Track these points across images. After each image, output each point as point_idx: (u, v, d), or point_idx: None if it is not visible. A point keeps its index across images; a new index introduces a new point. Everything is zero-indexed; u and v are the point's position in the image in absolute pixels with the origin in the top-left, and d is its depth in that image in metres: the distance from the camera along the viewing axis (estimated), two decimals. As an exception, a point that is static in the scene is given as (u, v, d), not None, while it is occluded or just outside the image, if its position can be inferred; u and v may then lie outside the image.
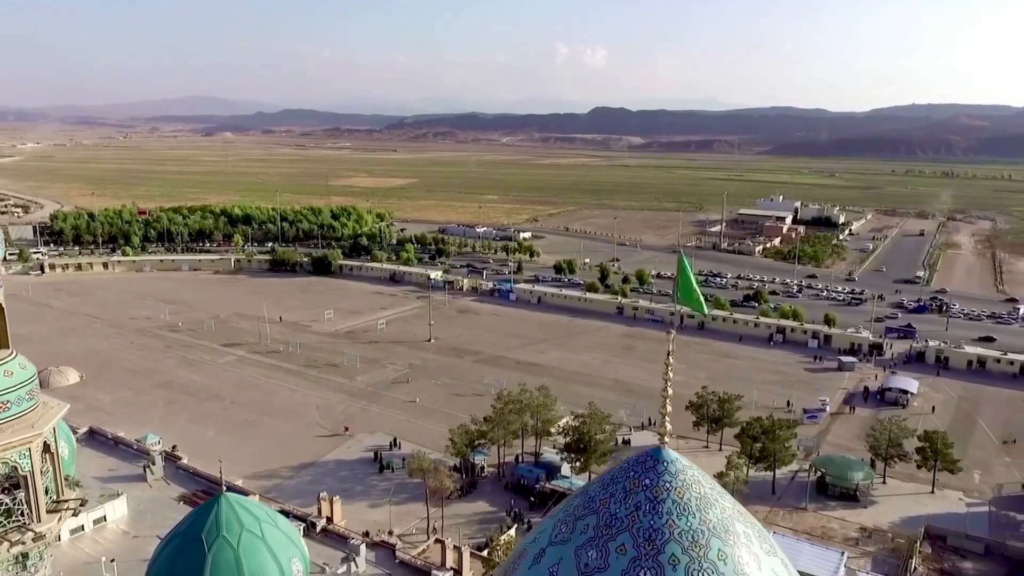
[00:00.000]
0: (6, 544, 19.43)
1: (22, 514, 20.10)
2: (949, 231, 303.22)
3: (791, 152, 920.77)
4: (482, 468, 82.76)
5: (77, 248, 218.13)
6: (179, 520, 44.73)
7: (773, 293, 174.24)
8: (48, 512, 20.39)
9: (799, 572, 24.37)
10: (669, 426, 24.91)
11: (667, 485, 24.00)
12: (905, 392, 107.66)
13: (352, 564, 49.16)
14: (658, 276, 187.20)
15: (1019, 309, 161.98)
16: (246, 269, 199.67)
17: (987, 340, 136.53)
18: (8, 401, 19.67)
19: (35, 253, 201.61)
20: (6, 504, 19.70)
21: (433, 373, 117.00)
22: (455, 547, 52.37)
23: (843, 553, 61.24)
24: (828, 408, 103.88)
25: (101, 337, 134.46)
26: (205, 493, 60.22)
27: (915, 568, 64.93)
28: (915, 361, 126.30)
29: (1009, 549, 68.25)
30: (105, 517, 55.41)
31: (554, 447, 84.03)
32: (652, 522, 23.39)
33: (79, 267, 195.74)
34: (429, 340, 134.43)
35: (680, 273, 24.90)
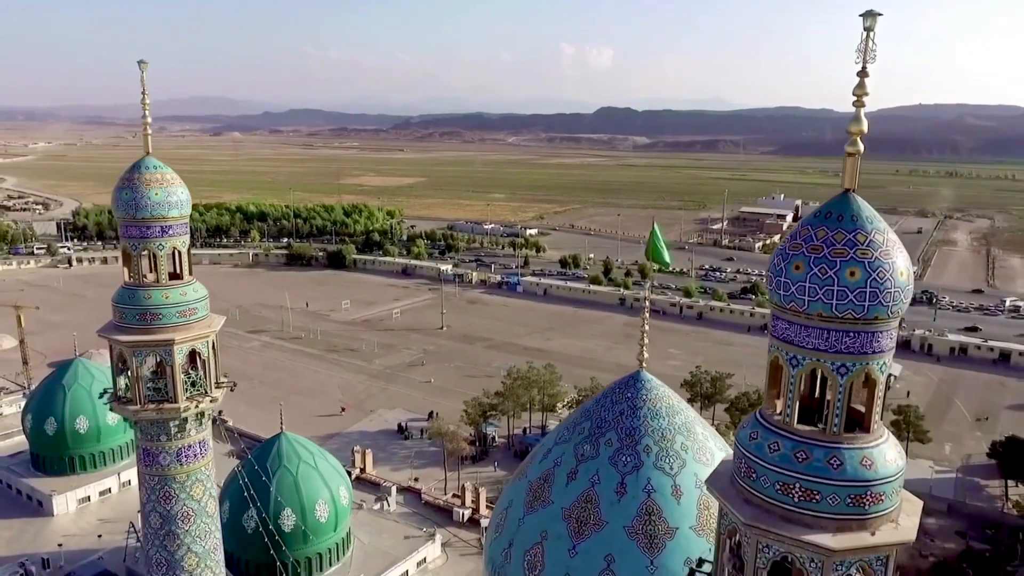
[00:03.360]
0: (195, 402, 27.40)
1: (202, 385, 27.98)
2: (947, 229, 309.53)
3: (797, 152, 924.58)
4: (493, 438, 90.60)
5: (100, 243, 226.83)
6: (230, 470, 52.97)
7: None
8: (216, 387, 28.27)
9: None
10: (647, 354, 33.14)
11: (644, 397, 32.35)
12: (889, 375, 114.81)
13: (385, 503, 57.11)
14: (659, 270, 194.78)
15: (1006, 301, 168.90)
16: (264, 263, 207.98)
17: (972, 330, 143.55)
18: (196, 308, 27.71)
19: (62, 247, 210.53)
20: (193, 377, 27.61)
21: (446, 357, 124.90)
22: (474, 490, 60.13)
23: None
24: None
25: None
26: (250, 450, 68.24)
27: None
28: (901, 348, 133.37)
29: (968, 507, 75.91)
30: (166, 467, 63.88)
31: (559, 420, 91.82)
32: (632, 423, 31.78)
33: (105, 260, 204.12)
34: (441, 328, 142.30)
35: (652, 235, 32.69)
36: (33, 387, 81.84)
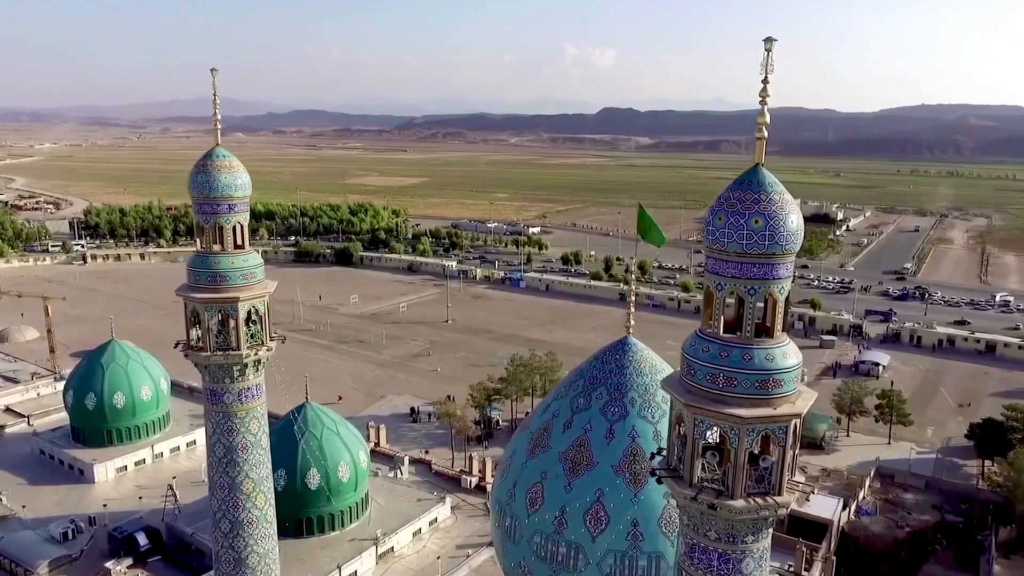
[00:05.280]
0: (254, 350, 32.47)
1: (259, 337, 33.20)
2: (944, 227, 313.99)
3: (799, 152, 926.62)
4: (497, 422, 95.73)
5: (112, 241, 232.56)
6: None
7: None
8: (270, 339, 33.38)
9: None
10: (633, 323, 38.28)
11: (630, 358, 37.53)
12: (877, 364, 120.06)
13: (399, 471, 62.21)
14: (659, 267, 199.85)
15: (995, 296, 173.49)
16: (273, 260, 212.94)
17: (961, 324, 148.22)
18: (255, 272, 33.16)
19: (76, 245, 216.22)
20: (252, 330, 32.72)
21: (451, 348, 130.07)
22: (481, 460, 65.19)
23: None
24: (806, 378, 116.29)
25: (150, 317, 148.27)
26: (272, 425, 73.25)
27: (864, 496, 77.47)
28: (892, 340, 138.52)
29: (944, 483, 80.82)
30: (196, 441, 69.06)
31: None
32: (619, 379, 36.96)
33: (118, 258, 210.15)
34: (447, 321, 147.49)
35: (641, 218, 37.63)
36: (65, 373, 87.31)
